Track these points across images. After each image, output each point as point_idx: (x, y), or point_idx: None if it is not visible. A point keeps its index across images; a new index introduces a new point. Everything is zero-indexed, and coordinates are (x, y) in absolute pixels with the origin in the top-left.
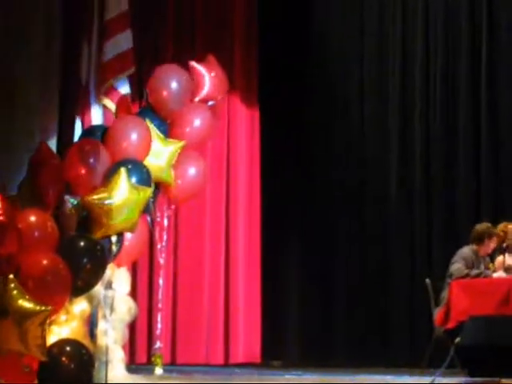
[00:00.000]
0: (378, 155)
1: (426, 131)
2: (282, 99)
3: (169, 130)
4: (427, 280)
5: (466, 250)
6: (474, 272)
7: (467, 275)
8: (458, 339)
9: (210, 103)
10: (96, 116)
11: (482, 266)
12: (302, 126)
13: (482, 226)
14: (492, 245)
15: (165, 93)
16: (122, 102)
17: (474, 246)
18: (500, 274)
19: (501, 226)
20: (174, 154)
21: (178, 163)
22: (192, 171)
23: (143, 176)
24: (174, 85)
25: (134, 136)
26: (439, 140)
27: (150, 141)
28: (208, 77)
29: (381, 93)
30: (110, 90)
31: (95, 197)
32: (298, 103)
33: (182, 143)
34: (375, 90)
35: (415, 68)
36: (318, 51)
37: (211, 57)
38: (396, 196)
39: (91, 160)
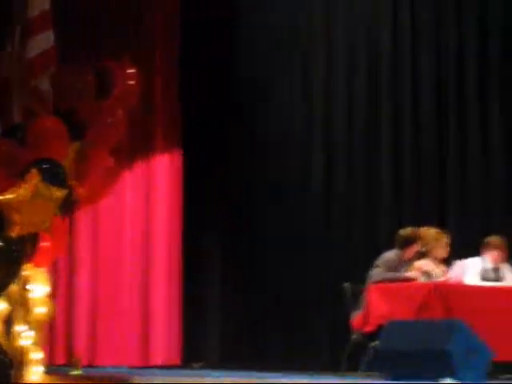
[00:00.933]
0: (300, 159)
1: (349, 140)
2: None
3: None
4: (346, 284)
5: (391, 255)
6: (389, 275)
7: (383, 279)
8: (375, 343)
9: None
10: (16, 115)
11: (403, 271)
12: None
13: (406, 231)
14: (415, 249)
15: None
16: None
17: (398, 251)
18: (413, 274)
19: (421, 231)
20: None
21: (87, 162)
22: (101, 170)
23: (58, 176)
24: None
25: (53, 136)
26: (361, 147)
27: (68, 141)
28: (121, 76)
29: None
30: (32, 90)
31: (7, 195)
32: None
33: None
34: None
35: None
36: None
37: (126, 57)
38: (316, 200)
39: (7, 160)
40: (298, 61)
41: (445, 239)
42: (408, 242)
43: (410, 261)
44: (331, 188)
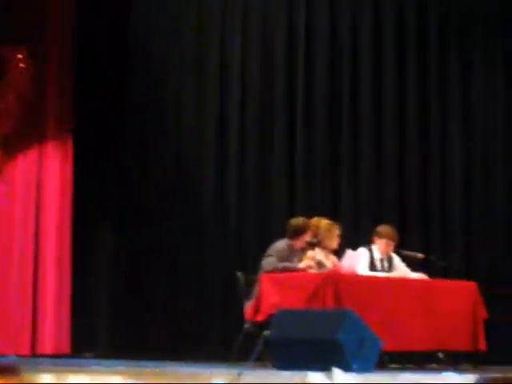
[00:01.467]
0: (194, 146)
1: (243, 127)
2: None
3: None
4: (239, 273)
5: (282, 244)
6: (282, 265)
7: (275, 268)
8: (266, 332)
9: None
10: None
11: (296, 260)
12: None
13: (297, 221)
14: (306, 239)
15: None
16: None
17: (289, 241)
18: (305, 264)
19: (314, 221)
20: None
21: None
22: None
23: None
24: None
25: None
26: (254, 139)
27: None
28: (12, 61)
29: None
30: None
31: None
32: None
33: None
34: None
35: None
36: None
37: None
38: (211, 187)
39: None
40: (193, 46)
41: (336, 230)
42: (299, 231)
43: (302, 250)
44: (225, 175)
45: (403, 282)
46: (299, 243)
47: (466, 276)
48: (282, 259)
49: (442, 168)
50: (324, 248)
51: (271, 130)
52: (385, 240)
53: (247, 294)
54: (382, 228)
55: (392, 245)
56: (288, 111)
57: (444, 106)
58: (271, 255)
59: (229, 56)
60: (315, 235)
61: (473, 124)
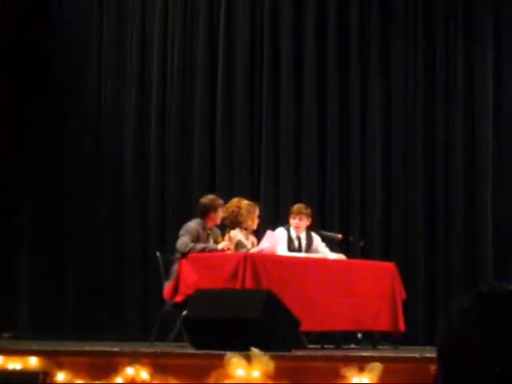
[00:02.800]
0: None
1: (163, 107)
2: None
3: None
4: (158, 253)
5: (193, 224)
6: (199, 246)
7: (192, 249)
8: (184, 312)
9: None
10: None
11: (211, 240)
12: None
13: (205, 199)
14: (218, 217)
15: None
16: None
17: (200, 220)
18: (224, 245)
19: (234, 202)
20: None
21: None
22: None
23: None
24: None
25: None
26: (175, 116)
27: None
28: None
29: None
30: None
31: None
32: None
33: None
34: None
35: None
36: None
37: None
38: (130, 171)
39: None
40: (115, 29)
41: (256, 211)
42: (207, 210)
43: (215, 228)
44: (146, 156)
45: (322, 262)
46: (210, 222)
47: (385, 257)
48: (195, 239)
49: (362, 151)
50: (244, 228)
51: (192, 111)
52: (295, 217)
53: (166, 274)
54: (294, 206)
55: (304, 221)
56: (208, 93)
57: (364, 100)
58: (184, 235)
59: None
60: (235, 215)
61: (393, 107)
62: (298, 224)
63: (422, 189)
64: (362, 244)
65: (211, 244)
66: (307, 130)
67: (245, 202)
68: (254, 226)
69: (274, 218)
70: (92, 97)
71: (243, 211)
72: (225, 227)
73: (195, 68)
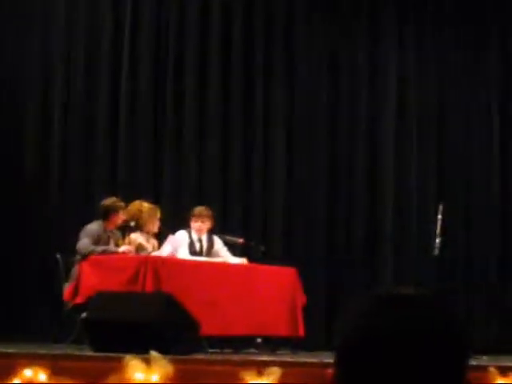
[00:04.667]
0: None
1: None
2: None
3: None
4: (58, 255)
5: (94, 226)
6: (100, 248)
7: (93, 251)
8: (84, 314)
9: None
10: None
11: (111, 242)
12: None
13: (107, 201)
14: (119, 219)
15: None
16: None
17: (101, 222)
18: (125, 248)
19: (135, 204)
20: None
21: None
22: None
23: None
24: None
25: None
26: (77, 122)
27: None
28: None
29: None
30: None
31: None
32: None
33: None
34: None
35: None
36: None
37: None
38: (32, 171)
39: None
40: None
41: (157, 213)
42: (108, 212)
43: (115, 230)
44: (48, 149)
45: (223, 266)
46: (111, 224)
47: (286, 262)
48: (95, 241)
49: (265, 154)
50: (145, 232)
51: (94, 118)
52: (196, 219)
53: (66, 276)
54: (195, 209)
55: (206, 223)
56: (111, 95)
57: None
58: (84, 238)
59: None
60: (137, 218)
61: (296, 109)
62: (200, 226)
63: (324, 192)
64: (263, 249)
65: (112, 246)
66: (211, 130)
67: (146, 205)
68: (155, 229)
69: (175, 220)
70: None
71: (144, 214)
72: (125, 230)
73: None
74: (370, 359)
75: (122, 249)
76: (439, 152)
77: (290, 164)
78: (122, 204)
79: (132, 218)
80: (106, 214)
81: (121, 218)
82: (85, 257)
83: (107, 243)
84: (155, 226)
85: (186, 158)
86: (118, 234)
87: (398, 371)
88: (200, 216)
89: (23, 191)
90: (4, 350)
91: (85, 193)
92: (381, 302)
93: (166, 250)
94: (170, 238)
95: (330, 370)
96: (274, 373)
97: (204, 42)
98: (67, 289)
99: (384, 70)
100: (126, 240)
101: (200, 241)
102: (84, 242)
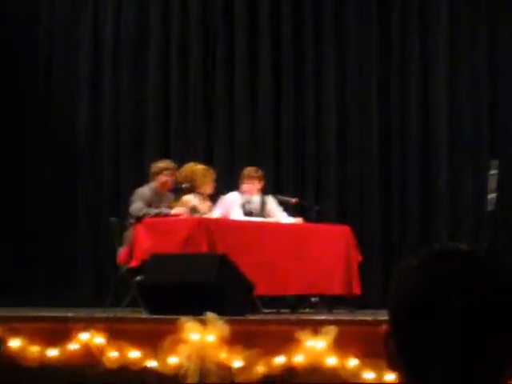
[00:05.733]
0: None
1: (115, 90)
2: None
3: None
4: (112, 218)
5: (145, 189)
6: (153, 211)
7: (146, 214)
8: (139, 277)
9: None
10: None
11: (163, 204)
12: None
13: (158, 163)
14: (171, 181)
15: None
16: None
17: (152, 184)
18: (179, 210)
19: (189, 166)
20: None
21: None
22: None
23: None
24: None
25: None
26: (127, 88)
27: None
28: None
29: None
30: None
31: None
32: None
33: None
34: None
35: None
36: None
37: None
38: (84, 134)
39: None
40: None
41: (211, 175)
42: (160, 174)
43: (168, 193)
44: (99, 117)
45: (277, 226)
46: (162, 187)
47: (340, 221)
48: (147, 204)
49: (317, 114)
50: (199, 193)
51: (146, 79)
52: (246, 180)
53: (121, 239)
54: (245, 170)
55: (256, 185)
56: (162, 59)
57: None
58: (136, 201)
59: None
60: (190, 180)
61: (347, 59)
62: (250, 188)
63: (377, 151)
64: (317, 208)
65: (165, 209)
66: (262, 93)
67: (199, 167)
68: (209, 191)
69: (228, 182)
70: (44, 59)
71: (198, 176)
72: (179, 192)
73: (148, 32)
74: (424, 316)
75: (175, 210)
76: (492, 106)
77: (343, 124)
78: (174, 166)
79: (185, 180)
80: (157, 176)
81: (173, 180)
82: (138, 220)
83: (159, 206)
84: (209, 188)
85: (238, 118)
86: (171, 196)
87: (452, 328)
88: (249, 177)
89: (76, 153)
90: (60, 315)
91: (138, 156)
92: (434, 258)
93: (217, 213)
94: (222, 200)
95: (384, 327)
96: (330, 331)
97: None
98: (121, 252)
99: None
100: (180, 202)
101: (252, 201)
102: (137, 205)
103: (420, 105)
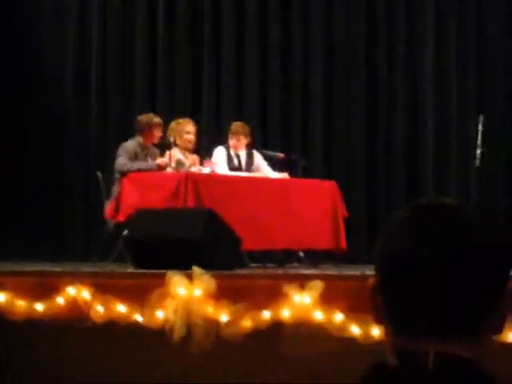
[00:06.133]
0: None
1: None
2: None
3: None
4: (98, 173)
5: (131, 143)
6: (137, 165)
7: (130, 169)
8: (125, 232)
9: None
10: None
11: (150, 159)
12: None
13: (143, 117)
14: (156, 135)
15: None
16: None
17: (139, 138)
18: (162, 160)
19: (175, 122)
20: None
21: None
22: None
23: None
24: None
25: None
26: (115, 37)
27: None
28: None
29: None
30: None
31: None
32: None
33: None
34: None
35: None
36: None
37: None
38: (72, 89)
39: None
40: None
41: (186, 127)
42: (146, 127)
43: (154, 148)
44: (86, 74)
45: (263, 181)
46: (148, 140)
47: (326, 176)
48: (132, 158)
49: (305, 69)
50: (182, 147)
51: (132, 30)
52: (232, 136)
53: (107, 194)
54: (232, 125)
55: (242, 140)
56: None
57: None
58: (121, 155)
59: None
60: (174, 135)
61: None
62: (236, 144)
63: (363, 105)
64: (303, 163)
65: (150, 163)
66: (249, 45)
67: (174, 121)
68: (186, 144)
69: (215, 136)
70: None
71: (170, 131)
72: (164, 146)
73: None
74: (408, 270)
75: (159, 161)
76: (479, 63)
77: (329, 76)
78: (159, 120)
79: (170, 134)
80: (143, 130)
81: (158, 134)
82: (123, 174)
83: (145, 160)
84: (182, 140)
85: (225, 72)
86: (156, 150)
87: (434, 283)
88: (236, 133)
89: (62, 108)
90: (47, 269)
91: (125, 110)
92: (419, 212)
93: (207, 169)
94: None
95: (370, 281)
96: (317, 286)
97: None
98: (108, 207)
99: None
100: (166, 156)
101: (238, 156)
102: (121, 160)
103: (407, 59)
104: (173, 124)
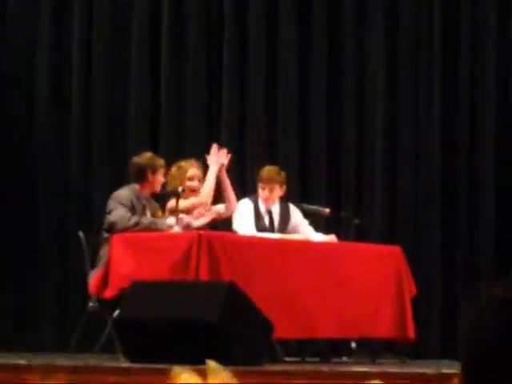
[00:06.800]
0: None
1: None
2: None
3: None
4: (80, 233)
5: (125, 192)
6: (147, 220)
7: (138, 224)
8: (116, 313)
9: None
10: None
11: (148, 212)
12: None
13: (141, 158)
14: (158, 180)
15: None
16: None
17: (135, 186)
18: (172, 221)
19: (176, 167)
20: None
21: None
22: None
23: None
24: None
25: None
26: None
27: None
28: None
29: None
30: None
31: None
32: None
33: None
34: None
35: None
36: None
37: None
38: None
39: None
40: None
41: (187, 171)
42: (145, 171)
43: (150, 199)
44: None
45: (302, 245)
46: (147, 188)
47: (388, 239)
48: (133, 211)
49: (360, 114)
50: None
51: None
52: (266, 186)
53: (92, 260)
54: (263, 170)
55: (277, 191)
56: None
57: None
58: (117, 208)
59: None
60: (180, 182)
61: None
62: (268, 196)
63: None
64: (357, 222)
65: (160, 220)
66: (284, 72)
67: (183, 163)
68: (189, 194)
69: (238, 185)
70: None
71: (169, 177)
72: (164, 198)
73: None
74: (501, 370)
75: (169, 221)
76: None
77: (392, 122)
78: (162, 162)
79: (170, 183)
80: (142, 175)
81: (160, 180)
82: (123, 232)
83: (144, 214)
84: (187, 189)
85: (252, 102)
86: (154, 203)
87: None
88: (269, 181)
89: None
90: (12, 362)
91: (116, 151)
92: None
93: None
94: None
95: (455, 382)
96: None
97: None
98: (93, 278)
99: None
100: (168, 207)
101: (270, 213)
102: (121, 213)
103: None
104: (173, 169)
